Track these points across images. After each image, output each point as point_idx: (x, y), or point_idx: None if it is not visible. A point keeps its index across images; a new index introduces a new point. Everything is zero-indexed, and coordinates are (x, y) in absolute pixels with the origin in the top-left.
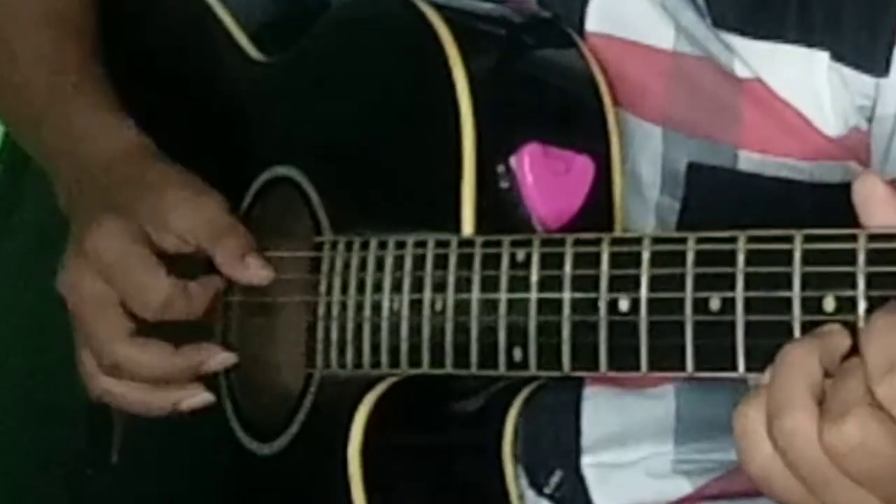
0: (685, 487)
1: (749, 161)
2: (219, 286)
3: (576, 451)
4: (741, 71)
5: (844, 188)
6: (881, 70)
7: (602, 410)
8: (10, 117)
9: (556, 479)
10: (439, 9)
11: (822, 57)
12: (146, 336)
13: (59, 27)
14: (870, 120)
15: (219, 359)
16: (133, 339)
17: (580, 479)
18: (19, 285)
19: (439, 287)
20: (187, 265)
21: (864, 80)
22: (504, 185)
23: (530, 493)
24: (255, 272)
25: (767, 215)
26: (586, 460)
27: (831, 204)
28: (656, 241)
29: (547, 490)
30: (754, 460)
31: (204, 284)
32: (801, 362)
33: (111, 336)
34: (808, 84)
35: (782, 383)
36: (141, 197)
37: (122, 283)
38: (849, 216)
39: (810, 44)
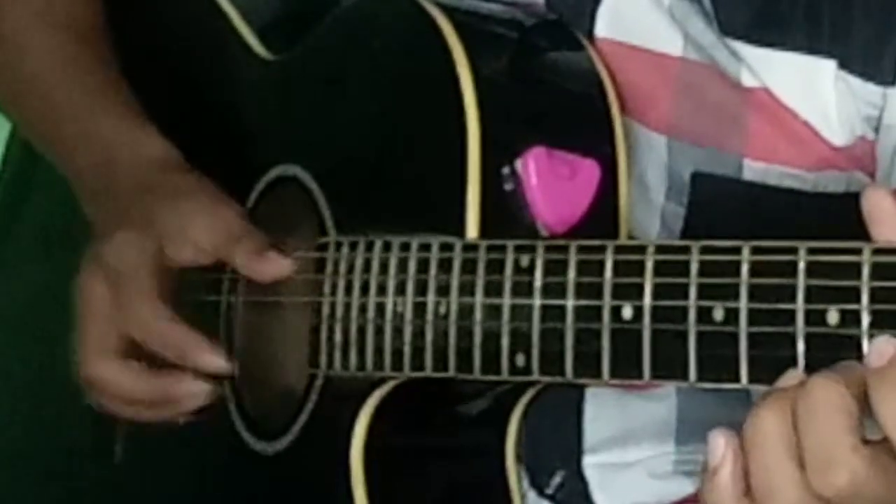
0: (687, 488)
1: (754, 170)
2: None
3: (577, 452)
4: (748, 80)
5: (848, 198)
6: (889, 79)
7: (604, 411)
8: (23, 119)
9: (557, 479)
10: (446, 10)
11: (829, 65)
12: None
13: (69, 30)
14: (876, 129)
15: (193, 390)
16: (113, 359)
17: (582, 480)
18: (24, 287)
19: (443, 291)
20: (199, 285)
21: (871, 90)
22: (509, 188)
23: (532, 494)
24: (274, 265)
25: (772, 224)
26: (588, 461)
27: (835, 214)
28: (660, 249)
29: (548, 491)
30: None
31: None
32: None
33: (95, 349)
34: (815, 92)
35: (757, 453)
36: (159, 208)
37: (121, 296)
38: (853, 226)
39: (817, 52)
